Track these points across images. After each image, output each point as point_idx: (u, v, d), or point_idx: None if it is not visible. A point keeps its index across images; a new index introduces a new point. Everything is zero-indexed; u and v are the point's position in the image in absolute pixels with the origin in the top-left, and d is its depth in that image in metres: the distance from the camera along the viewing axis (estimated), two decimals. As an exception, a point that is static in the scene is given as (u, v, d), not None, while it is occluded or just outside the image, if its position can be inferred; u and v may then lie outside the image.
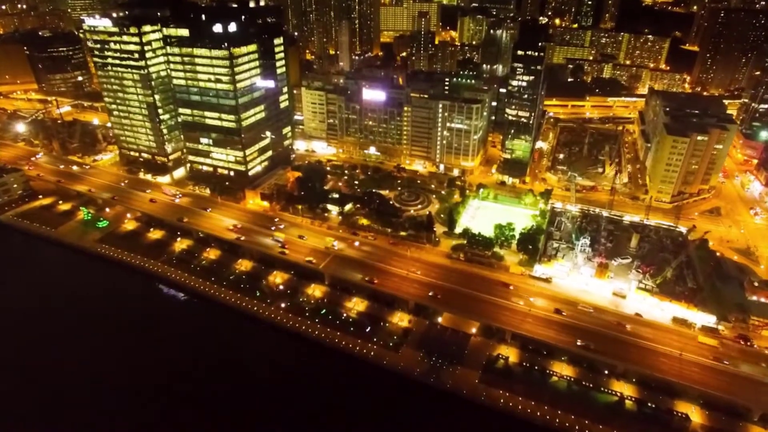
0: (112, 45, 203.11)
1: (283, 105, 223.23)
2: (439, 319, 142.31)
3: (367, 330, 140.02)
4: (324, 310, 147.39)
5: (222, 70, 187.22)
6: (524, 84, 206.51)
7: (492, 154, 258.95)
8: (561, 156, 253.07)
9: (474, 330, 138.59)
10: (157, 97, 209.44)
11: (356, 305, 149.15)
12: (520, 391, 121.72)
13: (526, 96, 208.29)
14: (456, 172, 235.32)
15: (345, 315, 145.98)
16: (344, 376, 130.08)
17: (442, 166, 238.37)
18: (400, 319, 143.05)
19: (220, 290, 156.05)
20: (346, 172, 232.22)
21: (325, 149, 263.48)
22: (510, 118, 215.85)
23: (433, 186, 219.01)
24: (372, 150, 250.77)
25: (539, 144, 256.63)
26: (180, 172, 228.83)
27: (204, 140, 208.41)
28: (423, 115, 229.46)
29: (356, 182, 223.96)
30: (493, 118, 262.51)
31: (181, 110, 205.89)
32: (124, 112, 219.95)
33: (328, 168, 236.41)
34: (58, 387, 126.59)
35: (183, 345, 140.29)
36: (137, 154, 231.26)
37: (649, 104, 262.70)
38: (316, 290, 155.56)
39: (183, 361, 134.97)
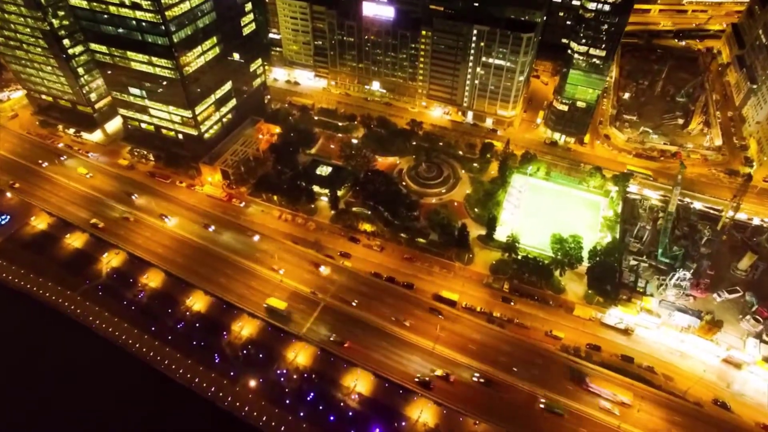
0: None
1: (248, 29, 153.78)
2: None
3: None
4: (312, 394, 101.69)
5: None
6: (607, 8, 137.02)
7: (535, 89, 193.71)
8: (626, 96, 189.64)
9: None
10: (55, 22, 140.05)
11: (358, 384, 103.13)
12: None
13: (606, 26, 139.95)
14: (489, 122, 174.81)
15: (342, 403, 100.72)
16: None
17: (470, 115, 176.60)
18: (424, 421, 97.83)
19: (163, 350, 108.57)
20: (340, 125, 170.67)
21: (311, 81, 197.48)
22: (577, 56, 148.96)
23: (461, 152, 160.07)
24: (375, 86, 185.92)
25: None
26: (116, 125, 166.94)
27: (134, 90, 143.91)
28: (448, 43, 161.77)
29: (355, 141, 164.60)
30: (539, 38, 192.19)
31: (93, 46, 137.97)
32: (13, 41, 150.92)
33: (316, 117, 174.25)
34: None
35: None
36: (51, 99, 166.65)
37: (759, 18, 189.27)
38: (300, 354, 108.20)
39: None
